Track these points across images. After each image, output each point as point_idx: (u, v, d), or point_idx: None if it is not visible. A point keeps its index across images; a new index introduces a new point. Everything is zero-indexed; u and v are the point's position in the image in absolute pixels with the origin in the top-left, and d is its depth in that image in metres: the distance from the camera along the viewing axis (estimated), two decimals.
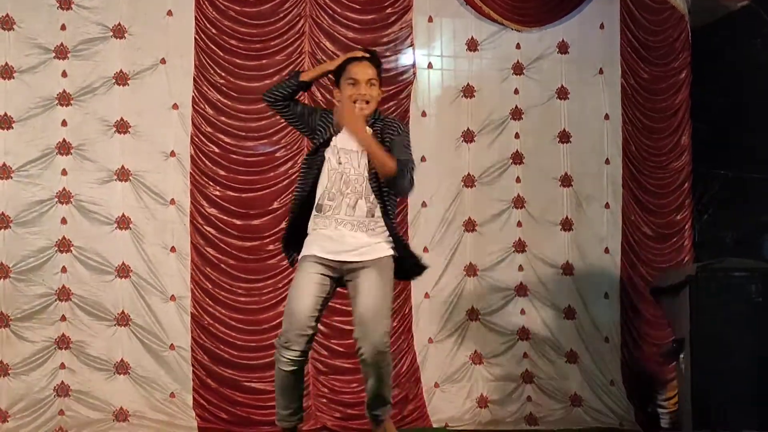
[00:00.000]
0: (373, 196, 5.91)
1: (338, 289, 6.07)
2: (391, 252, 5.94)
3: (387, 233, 5.93)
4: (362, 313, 5.76)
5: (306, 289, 5.84)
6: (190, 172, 9.03)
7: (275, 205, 9.15)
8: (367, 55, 6.10)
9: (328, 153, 5.96)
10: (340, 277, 5.95)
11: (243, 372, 8.97)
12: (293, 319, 5.83)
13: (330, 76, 6.19)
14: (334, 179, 5.92)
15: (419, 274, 6.22)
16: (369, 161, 5.87)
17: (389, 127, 5.99)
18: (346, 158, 5.93)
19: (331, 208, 5.89)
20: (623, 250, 9.91)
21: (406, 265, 6.07)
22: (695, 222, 10.06)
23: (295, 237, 6.05)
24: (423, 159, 9.37)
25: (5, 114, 8.71)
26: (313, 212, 5.95)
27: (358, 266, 5.87)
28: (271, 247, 9.08)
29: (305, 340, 5.84)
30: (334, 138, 5.97)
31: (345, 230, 5.88)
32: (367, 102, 5.99)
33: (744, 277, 9.14)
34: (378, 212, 5.92)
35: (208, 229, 9.06)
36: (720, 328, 8.97)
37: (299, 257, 5.99)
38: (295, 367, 5.86)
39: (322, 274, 5.87)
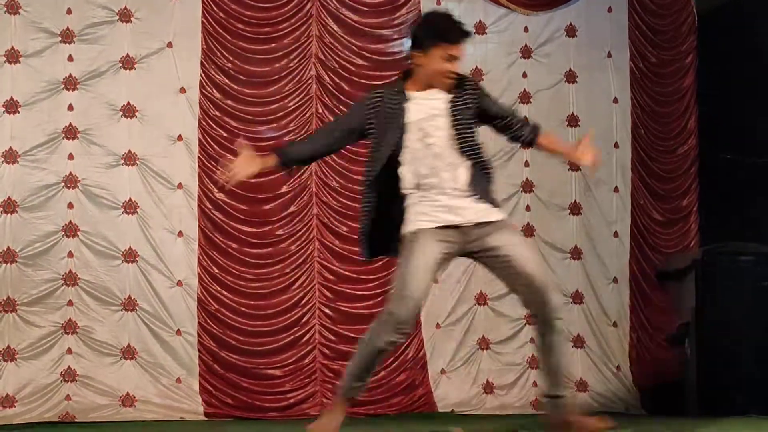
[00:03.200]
0: (468, 159, 5.38)
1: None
2: (501, 214, 5.44)
3: (492, 195, 5.46)
4: (533, 276, 5.27)
5: (426, 271, 5.30)
6: (198, 157, 9.01)
7: (284, 189, 9.13)
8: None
9: (406, 134, 5.38)
10: (464, 248, 5.40)
11: (250, 357, 8.97)
12: (411, 303, 5.26)
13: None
14: (422, 157, 5.37)
15: None
16: (452, 124, 5.34)
17: (478, 92, 5.45)
18: (432, 127, 5.38)
19: (431, 186, 5.35)
20: (632, 234, 9.88)
21: None
22: (701, 206, 10.02)
23: (377, 230, 5.48)
24: None
25: (11, 98, 8.68)
26: (409, 197, 5.39)
27: (482, 234, 5.36)
28: (279, 231, 9.05)
29: (413, 323, 5.45)
30: (405, 116, 5.37)
31: (455, 200, 5.35)
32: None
33: (750, 261, 9.19)
34: (479, 174, 5.40)
35: (216, 213, 9.03)
36: (726, 312, 9.03)
37: (411, 230, 5.37)
38: (393, 348, 5.45)
39: (443, 251, 5.36)
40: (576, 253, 9.74)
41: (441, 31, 5.38)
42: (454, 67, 5.37)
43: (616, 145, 9.90)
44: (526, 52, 9.78)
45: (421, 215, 5.37)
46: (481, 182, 5.41)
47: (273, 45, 9.22)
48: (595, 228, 9.82)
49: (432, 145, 5.37)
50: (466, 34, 5.44)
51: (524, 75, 9.75)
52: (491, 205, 5.41)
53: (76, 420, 8.52)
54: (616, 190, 9.90)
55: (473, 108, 5.42)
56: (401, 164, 5.39)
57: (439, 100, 5.41)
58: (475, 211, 5.35)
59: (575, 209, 9.77)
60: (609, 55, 9.93)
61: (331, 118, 9.09)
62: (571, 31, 9.87)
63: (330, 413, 5.54)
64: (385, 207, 5.45)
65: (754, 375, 8.94)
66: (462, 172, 5.36)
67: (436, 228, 5.34)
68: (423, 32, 5.41)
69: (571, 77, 9.84)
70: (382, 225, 5.47)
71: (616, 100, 9.93)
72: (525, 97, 9.71)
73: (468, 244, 5.38)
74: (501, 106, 5.55)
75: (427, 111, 5.39)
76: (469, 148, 5.37)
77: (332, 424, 5.44)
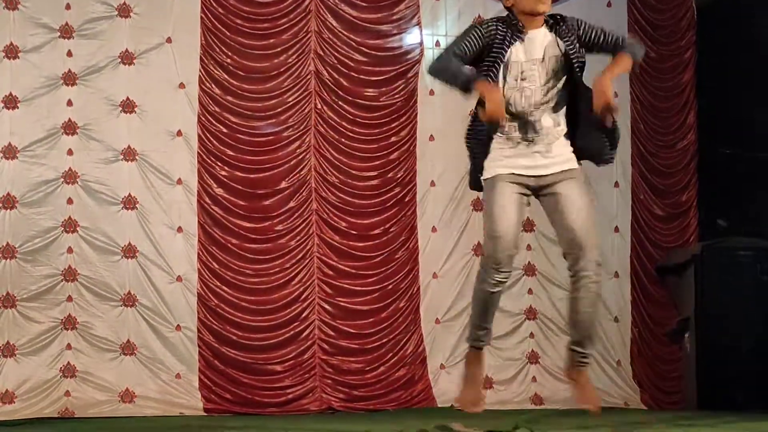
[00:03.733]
0: (555, 104, 5.55)
1: None
2: (577, 164, 5.62)
3: (569, 142, 5.63)
4: (575, 226, 5.54)
5: (509, 210, 5.55)
6: (198, 152, 9.00)
7: (283, 184, 9.13)
8: None
9: (505, 72, 5.53)
10: (536, 191, 5.67)
11: (249, 353, 8.95)
12: (502, 241, 5.51)
13: None
14: (514, 99, 5.54)
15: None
16: (551, 69, 5.51)
17: (576, 26, 5.56)
18: (529, 71, 5.54)
19: (516, 129, 5.57)
20: (632, 229, 9.88)
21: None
22: (701, 201, 10.02)
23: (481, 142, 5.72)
24: (431, 138, 9.44)
25: (10, 94, 8.67)
26: (497, 134, 5.59)
27: (554, 180, 5.60)
28: (279, 227, 9.06)
29: (512, 261, 5.62)
30: (508, 53, 5.50)
31: (535, 147, 5.57)
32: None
33: (749, 256, 9.19)
34: (562, 120, 5.60)
35: (216, 209, 9.01)
36: (725, 307, 9.04)
37: (489, 177, 5.62)
38: (501, 288, 5.63)
39: (519, 193, 5.61)
40: None
41: None
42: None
43: None
44: None
45: (499, 163, 5.60)
46: (565, 122, 5.58)
47: (272, 41, 9.21)
48: (596, 223, 9.76)
49: (525, 88, 5.52)
50: None
51: None
52: (569, 151, 5.60)
53: (75, 416, 8.49)
54: (616, 185, 9.90)
55: (572, 49, 5.52)
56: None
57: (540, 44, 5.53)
58: (547, 163, 5.56)
59: None
60: None
61: (331, 114, 9.20)
62: None
63: (468, 372, 5.82)
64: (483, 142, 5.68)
65: (753, 369, 8.95)
66: (547, 118, 5.53)
67: (515, 173, 5.57)
68: None
69: None
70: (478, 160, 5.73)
71: (615, 95, 9.87)
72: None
73: (538, 188, 5.62)
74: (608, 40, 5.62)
75: (529, 49, 5.51)
76: (555, 88, 5.52)
77: (476, 388, 5.85)
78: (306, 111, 9.22)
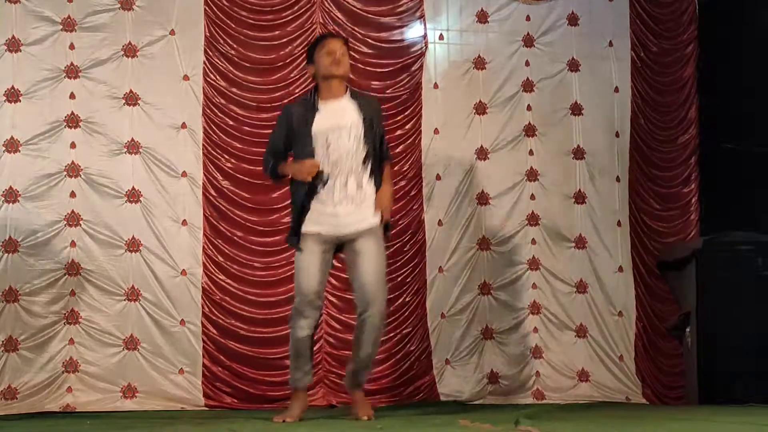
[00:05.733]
0: (360, 167, 6.54)
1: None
2: (378, 220, 6.57)
3: (372, 200, 6.60)
4: (366, 279, 6.55)
5: (312, 267, 6.60)
6: (203, 144, 8.94)
7: (289, 176, 9.03)
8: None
9: (313, 141, 6.56)
10: (338, 246, 6.69)
11: (255, 347, 8.88)
12: (304, 296, 6.63)
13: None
14: (324, 165, 6.53)
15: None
16: (359, 134, 6.56)
17: (375, 110, 6.74)
18: (334, 137, 6.51)
19: (325, 190, 6.53)
20: (634, 224, 9.85)
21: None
22: (702, 196, 10.02)
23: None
24: (436, 131, 9.41)
25: (13, 87, 8.59)
26: (315, 193, 6.60)
27: (353, 236, 6.56)
28: (286, 219, 8.98)
29: (317, 311, 6.78)
30: (312, 124, 6.56)
31: (339, 209, 6.52)
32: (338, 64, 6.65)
33: (751, 251, 9.21)
34: (365, 181, 6.53)
35: (221, 201, 8.96)
36: (726, 302, 9.05)
37: (300, 233, 6.64)
38: (309, 332, 6.68)
39: (324, 251, 6.61)
40: (581, 242, 9.71)
41: (314, 43, 6.97)
42: (333, 56, 6.64)
43: (617, 135, 9.91)
44: (529, 41, 9.75)
45: (310, 222, 6.61)
46: (367, 184, 6.62)
47: (277, 32, 9.16)
48: (600, 217, 9.81)
49: (332, 153, 6.52)
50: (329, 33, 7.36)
51: (527, 64, 9.72)
52: (370, 210, 6.60)
53: (77, 411, 8.43)
54: (618, 179, 9.88)
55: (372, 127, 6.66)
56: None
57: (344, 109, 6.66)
58: (349, 222, 6.55)
59: (580, 198, 9.76)
60: (610, 44, 9.93)
61: None
62: (573, 20, 9.87)
63: (290, 407, 6.87)
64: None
65: (754, 364, 8.96)
66: (352, 181, 6.53)
67: (320, 234, 6.59)
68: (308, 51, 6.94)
69: (573, 66, 9.84)
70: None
71: (617, 90, 9.93)
72: (528, 86, 9.69)
73: (340, 243, 6.67)
74: (383, 145, 6.86)
75: (333, 117, 6.58)
76: (363, 152, 6.59)
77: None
78: None
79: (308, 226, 6.59)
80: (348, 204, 6.52)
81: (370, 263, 6.55)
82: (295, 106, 6.80)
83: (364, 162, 6.58)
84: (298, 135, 6.60)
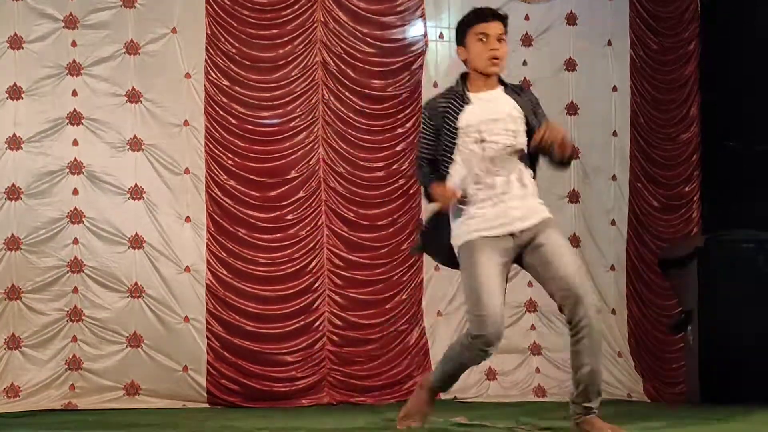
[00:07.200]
0: (521, 164, 5.51)
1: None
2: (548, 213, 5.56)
3: (536, 195, 5.56)
4: (568, 274, 5.35)
5: (494, 283, 5.39)
6: (205, 142, 8.96)
7: (292, 174, 9.12)
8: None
9: (462, 137, 5.50)
10: (517, 252, 5.50)
11: (258, 343, 8.91)
12: (490, 321, 5.33)
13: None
14: (477, 162, 5.47)
15: None
16: (510, 127, 5.49)
17: (533, 101, 5.64)
18: (488, 131, 5.47)
19: (483, 190, 5.45)
20: (631, 221, 9.89)
21: None
22: (703, 194, 10.04)
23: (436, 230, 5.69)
24: None
25: (15, 84, 8.61)
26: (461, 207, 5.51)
27: (533, 233, 5.44)
28: (289, 216, 9.05)
29: (502, 335, 5.43)
30: (460, 117, 5.50)
31: (505, 206, 5.44)
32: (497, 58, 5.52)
33: (752, 249, 9.21)
34: (527, 177, 5.53)
35: (225, 198, 8.97)
36: (728, 299, 9.02)
37: (461, 243, 5.50)
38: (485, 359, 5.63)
39: (501, 258, 5.44)
40: (574, 241, 9.71)
41: (466, 17, 5.63)
42: (489, 45, 5.49)
43: (614, 133, 9.94)
44: (527, 40, 9.78)
45: (471, 228, 5.47)
46: (531, 179, 5.55)
47: (277, 30, 9.18)
48: (593, 216, 9.84)
49: (487, 149, 5.47)
50: (490, 11, 5.58)
51: (524, 63, 9.72)
52: (540, 203, 5.54)
53: (80, 408, 8.45)
54: (614, 178, 9.92)
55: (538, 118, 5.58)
56: (453, 170, 5.53)
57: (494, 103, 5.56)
58: (522, 216, 5.45)
59: (573, 197, 9.79)
60: (609, 43, 9.95)
61: (338, 104, 9.23)
62: (571, 19, 9.89)
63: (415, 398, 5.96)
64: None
65: (755, 362, 8.95)
66: (513, 178, 5.47)
67: (490, 236, 5.44)
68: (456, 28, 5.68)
69: (571, 65, 9.86)
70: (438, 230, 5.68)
71: (615, 89, 9.95)
72: (525, 85, 9.56)
73: (519, 247, 5.48)
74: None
75: (486, 109, 5.52)
76: (522, 147, 5.51)
77: (420, 407, 5.89)
78: (313, 101, 9.20)
79: (469, 234, 5.50)
80: (513, 200, 5.44)
81: (563, 254, 5.41)
82: (437, 100, 5.69)
83: (523, 159, 5.53)
84: (446, 130, 5.54)
